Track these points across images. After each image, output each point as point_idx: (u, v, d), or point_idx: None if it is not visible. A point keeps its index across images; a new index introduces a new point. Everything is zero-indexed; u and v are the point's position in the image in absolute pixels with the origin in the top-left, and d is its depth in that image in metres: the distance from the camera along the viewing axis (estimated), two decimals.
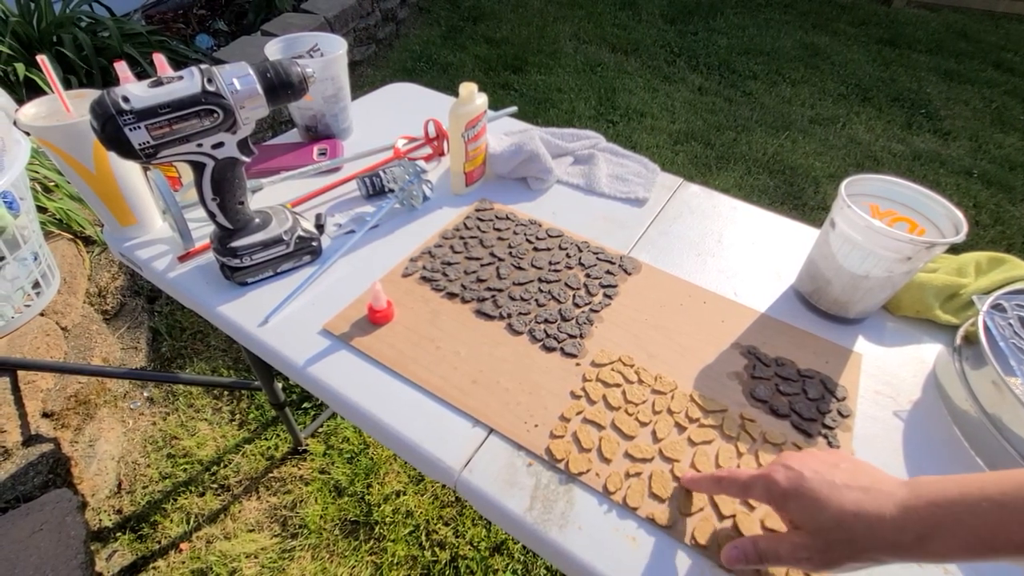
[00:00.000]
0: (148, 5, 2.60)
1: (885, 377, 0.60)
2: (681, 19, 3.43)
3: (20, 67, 1.69)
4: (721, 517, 0.47)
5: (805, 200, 2.12)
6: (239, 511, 1.17)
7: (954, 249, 0.61)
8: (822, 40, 3.28)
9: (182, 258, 0.70)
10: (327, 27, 2.48)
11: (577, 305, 0.66)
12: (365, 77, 2.69)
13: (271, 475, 1.23)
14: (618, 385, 0.57)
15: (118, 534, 1.12)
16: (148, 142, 0.52)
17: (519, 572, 1.10)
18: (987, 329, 0.56)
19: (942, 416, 0.57)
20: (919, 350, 0.63)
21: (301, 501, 1.19)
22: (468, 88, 0.73)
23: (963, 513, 0.31)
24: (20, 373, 1.07)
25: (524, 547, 1.13)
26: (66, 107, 0.65)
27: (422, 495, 1.21)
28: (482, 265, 0.71)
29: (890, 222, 0.63)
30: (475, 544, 1.14)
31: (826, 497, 0.36)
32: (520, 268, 0.70)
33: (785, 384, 0.58)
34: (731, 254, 0.75)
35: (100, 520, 1.14)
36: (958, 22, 3.58)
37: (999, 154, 2.42)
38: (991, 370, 0.52)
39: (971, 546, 0.30)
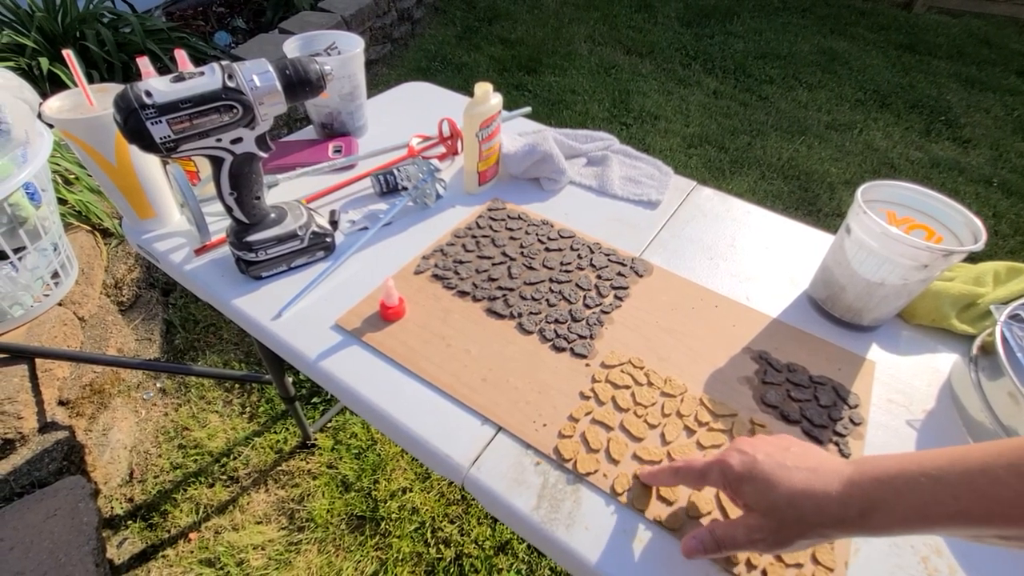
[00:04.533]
0: (169, 2, 2.63)
1: (899, 385, 0.59)
2: (697, 22, 3.42)
3: (44, 61, 1.72)
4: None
5: (820, 206, 2.10)
6: (247, 503, 1.19)
7: (972, 258, 0.60)
8: (840, 45, 3.25)
9: (199, 251, 0.71)
10: (344, 26, 2.50)
11: (588, 306, 0.66)
12: (380, 76, 2.71)
13: (279, 468, 1.25)
14: (627, 387, 0.57)
15: (129, 522, 1.14)
16: (169, 136, 0.53)
17: (523, 572, 1.11)
18: (1004, 339, 0.55)
19: (956, 427, 0.56)
20: (934, 359, 0.63)
21: (308, 495, 1.20)
22: (483, 88, 0.73)
23: (902, 487, 0.33)
24: (38, 361, 1.09)
25: (529, 547, 1.13)
26: (89, 100, 0.66)
27: (428, 492, 1.21)
28: (494, 264, 0.71)
29: (907, 229, 0.63)
30: (480, 543, 1.14)
31: (777, 478, 0.38)
32: (531, 268, 0.71)
33: (796, 390, 0.57)
34: (744, 258, 0.75)
35: (112, 508, 1.16)
36: (980, 28, 3.52)
37: (1020, 163, 2.38)
38: (1008, 381, 0.51)
39: (909, 519, 0.32)
